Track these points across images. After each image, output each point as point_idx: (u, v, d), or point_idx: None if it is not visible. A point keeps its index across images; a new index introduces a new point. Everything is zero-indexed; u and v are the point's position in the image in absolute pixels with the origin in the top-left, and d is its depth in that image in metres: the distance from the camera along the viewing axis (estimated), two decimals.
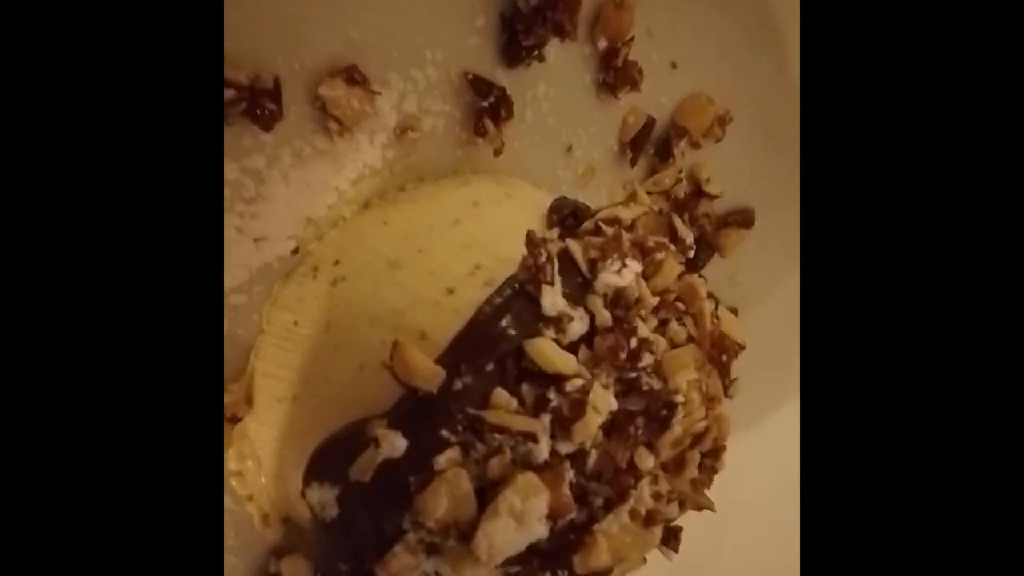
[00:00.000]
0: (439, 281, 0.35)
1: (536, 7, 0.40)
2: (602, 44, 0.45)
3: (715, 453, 0.38)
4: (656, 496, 0.34)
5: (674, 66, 0.49)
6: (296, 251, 0.37)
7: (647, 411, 0.34)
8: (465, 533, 0.30)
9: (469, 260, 0.35)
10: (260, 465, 0.39)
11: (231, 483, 0.39)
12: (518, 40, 0.41)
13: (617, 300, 0.33)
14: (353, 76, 0.36)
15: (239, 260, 0.36)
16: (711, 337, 0.36)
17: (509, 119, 0.41)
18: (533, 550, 0.32)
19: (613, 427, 0.33)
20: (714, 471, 0.39)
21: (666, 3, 0.47)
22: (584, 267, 0.33)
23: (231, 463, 0.38)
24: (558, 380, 0.31)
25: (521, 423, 0.30)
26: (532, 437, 0.30)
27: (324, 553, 0.35)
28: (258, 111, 0.34)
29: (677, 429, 0.34)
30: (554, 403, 0.31)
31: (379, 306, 0.35)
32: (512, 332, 0.32)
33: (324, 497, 0.32)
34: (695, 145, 0.52)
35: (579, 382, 0.31)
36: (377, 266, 0.36)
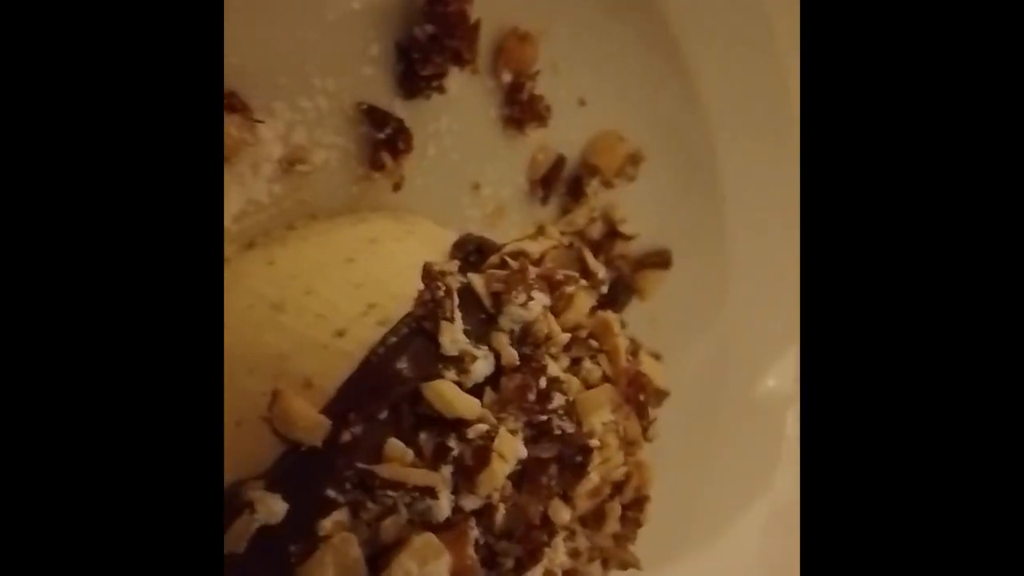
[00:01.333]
0: (328, 323, 0.32)
1: (432, 35, 0.39)
2: (506, 77, 0.44)
3: (638, 504, 0.36)
4: (574, 554, 0.32)
5: (582, 103, 0.49)
6: None
7: (560, 458, 0.31)
8: None
9: (362, 299, 0.32)
10: None
11: None
12: (415, 70, 0.39)
13: (524, 337, 0.31)
14: (231, 103, 0.34)
15: None
16: (627, 375, 0.34)
17: (408, 152, 0.39)
18: None
19: (523, 477, 0.30)
20: (638, 524, 0.36)
21: (571, 37, 0.47)
22: (487, 301, 0.31)
23: None
24: (459, 426, 0.29)
25: (418, 476, 0.28)
26: (431, 492, 0.27)
27: None
28: None
29: (594, 477, 0.32)
30: (455, 452, 0.28)
31: (259, 353, 0.32)
32: (408, 374, 0.29)
33: None
34: (607, 184, 0.51)
35: (483, 427, 0.29)
36: (259, 309, 0.33)
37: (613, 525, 0.34)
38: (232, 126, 0.33)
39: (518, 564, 0.29)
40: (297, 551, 0.27)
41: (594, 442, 0.31)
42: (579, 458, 0.31)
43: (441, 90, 0.40)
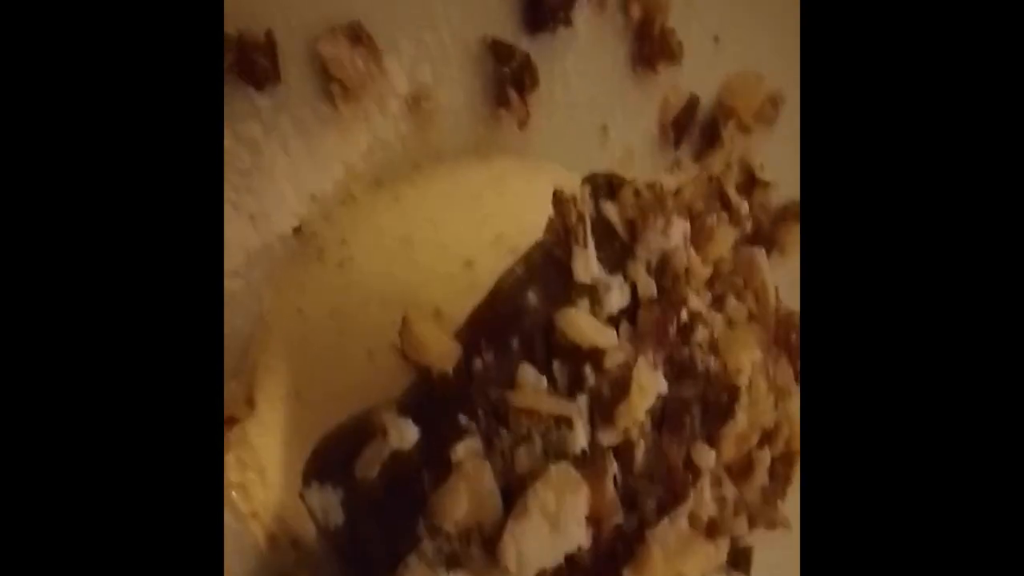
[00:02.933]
0: (456, 254, 0.31)
1: None
2: (636, 12, 0.43)
3: (788, 458, 0.33)
4: (720, 502, 0.30)
5: (717, 40, 0.46)
6: (298, 230, 0.34)
7: (704, 398, 0.29)
8: (490, 539, 0.26)
9: (490, 230, 0.32)
10: (264, 476, 0.35)
11: (231, 496, 0.35)
12: (542, 2, 0.38)
13: (663, 268, 0.30)
14: (356, 34, 0.34)
15: (234, 240, 0.33)
16: (777, 315, 0.32)
17: (534, 88, 0.38)
18: (572, 562, 0.27)
19: (664, 417, 0.29)
20: (787, 480, 0.34)
21: None
22: (622, 229, 0.30)
23: (231, 473, 0.35)
24: (595, 356, 0.27)
25: (553, 405, 0.27)
26: (567, 422, 0.26)
27: (331, 570, 0.31)
28: (249, 67, 0.31)
29: (742, 421, 0.30)
30: (591, 382, 0.27)
31: (390, 286, 0.32)
32: (539, 303, 0.28)
33: (326, 501, 0.28)
34: (744, 128, 0.49)
35: (620, 357, 0.27)
36: (387, 244, 0.33)
37: (761, 477, 0.32)
38: (358, 58, 0.34)
39: (660, 505, 0.28)
40: (430, 477, 0.27)
41: (742, 380, 0.29)
42: (725, 398, 0.29)
43: (567, 22, 0.39)
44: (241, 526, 0.36)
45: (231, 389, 0.34)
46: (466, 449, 0.26)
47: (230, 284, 0.34)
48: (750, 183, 0.50)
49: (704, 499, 0.28)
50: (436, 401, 0.27)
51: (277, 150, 0.33)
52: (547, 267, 0.29)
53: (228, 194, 0.33)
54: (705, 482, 0.29)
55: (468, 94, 0.38)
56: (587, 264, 0.28)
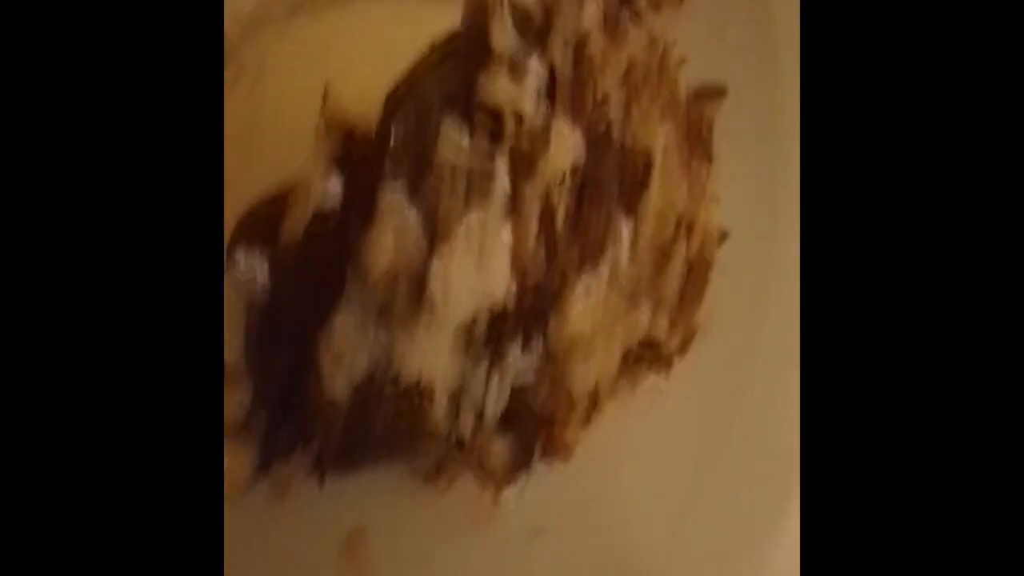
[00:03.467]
0: (376, 54, 0.32)
1: None
2: None
3: (703, 264, 0.35)
4: (635, 281, 0.31)
5: None
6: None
7: (620, 172, 0.31)
8: (416, 284, 0.27)
9: (410, 33, 0.33)
10: None
11: None
12: None
13: (579, 55, 0.31)
14: None
15: None
16: (689, 114, 0.34)
17: None
18: (498, 316, 0.28)
19: (583, 187, 0.30)
20: (703, 287, 0.36)
21: None
22: (538, 13, 0.31)
23: None
24: (516, 117, 0.28)
25: (475, 158, 0.27)
26: (488, 174, 0.27)
27: (257, 341, 0.31)
28: None
29: (656, 197, 0.31)
30: (512, 140, 0.28)
31: (310, 83, 0.32)
32: (459, 74, 0.29)
33: (252, 263, 0.29)
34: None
35: (539, 119, 0.28)
36: (307, 54, 0.34)
37: (678, 268, 0.33)
38: None
39: (581, 260, 0.29)
40: (355, 230, 0.27)
41: (655, 154, 0.30)
42: (640, 171, 0.30)
43: None
44: None
45: None
46: (391, 198, 0.27)
47: None
48: None
49: (621, 263, 0.30)
50: (360, 160, 0.28)
51: None
52: (467, 45, 0.30)
53: None
54: (624, 248, 0.30)
55: None
56: (504, 34, 0.29)
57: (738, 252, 0.39)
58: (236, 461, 0.34)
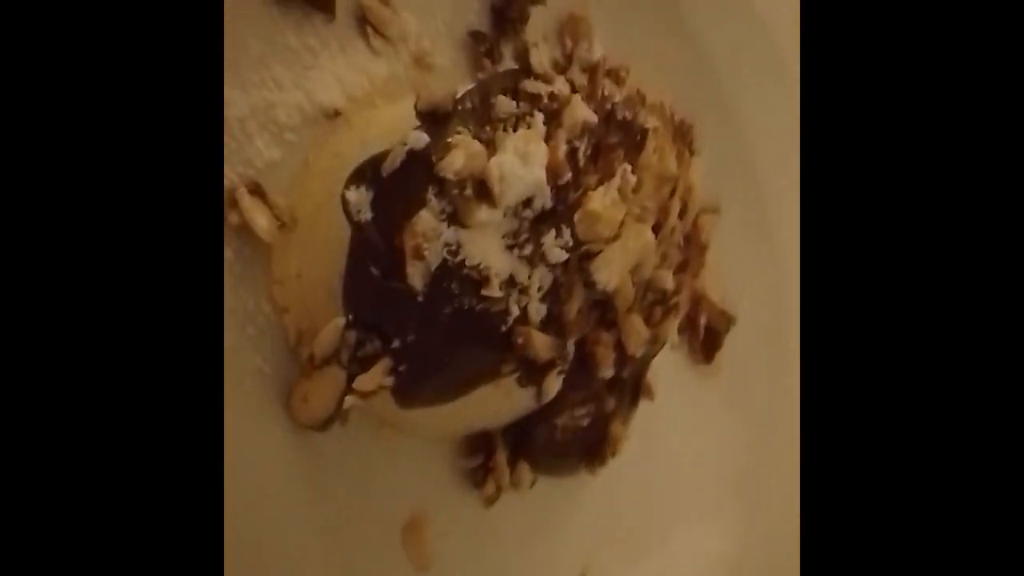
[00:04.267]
0: None
1: None
2: None
3: (695, 224, 0.45)
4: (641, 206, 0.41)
5: None
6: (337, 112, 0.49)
7: (623, 143, 0.43)
8: (480, 183, 0.38)
9: None
10: (301, 279, 0.45)
11: (272, 291, 0.45)
12: None
13: (594, 74, 0.45)
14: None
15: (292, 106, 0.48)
16: (673, 123, 0.46)
17: None
18: (539, 217, 0.39)
19: (595, 156, 0.42)
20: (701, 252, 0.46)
21: None
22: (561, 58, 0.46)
23: (275, 270, 0.45)
24: (550, 95, 0.42)
25: (518, 111, 0.40)
26: (530, 114, 0.40)
27: (354, 270, 0.41)
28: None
29: (653, 159, 0.43)
30: (545, 103, 0.41)
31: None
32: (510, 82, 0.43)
33: (360, 198, 0.40)
34: None
35: (565, 91, 0.42)
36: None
37: (674, 223, 0.43)
38: (386, 10, 0.52)
39: (599, 181, 0.40)
40: (437, 156, 0.39)
41: (651, 123, 0.42)
42: (639, 137, 0.42)
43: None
44: (276, 319, 0.45)
45: (280, 205, 0.46)
46: (462, 138, 0.39)
47: (286, 136, 0.48)
48: None
49: (632, 187, 0.40)
50: (442, 124, 0.40)
51: (329, 56, 0.50)
52: (510, 72, 0.44)
53: (293, 77, 0.48)
54: (628, 180, 0.41)
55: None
56: (541, 59, 0.44)
57: None
58: (326, 386, 0.42)
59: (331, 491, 0.46)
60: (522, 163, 0.38)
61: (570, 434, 0.49)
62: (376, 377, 0.40)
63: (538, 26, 0.57)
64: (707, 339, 0.59)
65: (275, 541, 0.44)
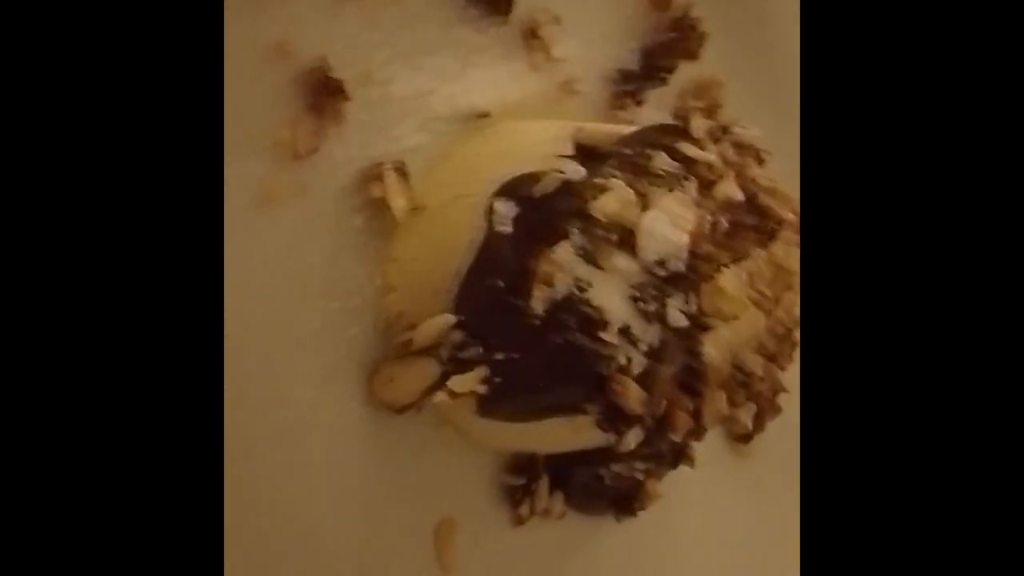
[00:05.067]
0: None
1: None
2: None
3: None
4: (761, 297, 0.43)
5: None
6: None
7: (758, 228, 0.44)
8: (626, 231, 0.39)
9: None
10: (415, 264, 0.47)
11: (385, 267, 0.47)
12: None
13: (742, 151, 0.47)
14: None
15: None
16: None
17: None
18: (670, 278, 0.40)
19: (733, 228, 0.43)
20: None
21: None
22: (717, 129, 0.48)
23: (395, 249, 0.47)
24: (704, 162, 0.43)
25: (673, 171, 0.42)
26: (686, 178, 0.41)
27: (477, 275, 0.42)
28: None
29: (780, 251, 0.44)
30: (701, 170, 0.42)
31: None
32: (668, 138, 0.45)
33: (506, 211, 0.42)
34: None
35: (719, 165, 0.43)
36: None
37: (782, 315, 0.45)
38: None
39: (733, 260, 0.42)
40: (591, 193, 0.40)
41: (788, 215, 0.44)
42: (773, 226, 0.44)
43: None
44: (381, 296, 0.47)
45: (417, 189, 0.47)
46: (617, 180, 0.41)
47: (434, 124, 0.49)
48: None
49: (759, 274, 0.42)
50: (598, 162, 0.42)
51: (492, 58, 0.52)
52: (670, 128, 0.46)
53: (456, 69, 0.50)
54: (761, 263, 0.42)
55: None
56: (699, 125, 0.46)
57: None
58: (417, 374, 0.44)
59: (381, 471, 0.48)
60: (670, 224, 0.40)
61: (614, 480, 0.51)
62: (471, 381, 0.42)
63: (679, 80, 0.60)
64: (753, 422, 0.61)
65: (319, 498, 0.46)
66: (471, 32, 0.51)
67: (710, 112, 0.61)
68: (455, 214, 0.47)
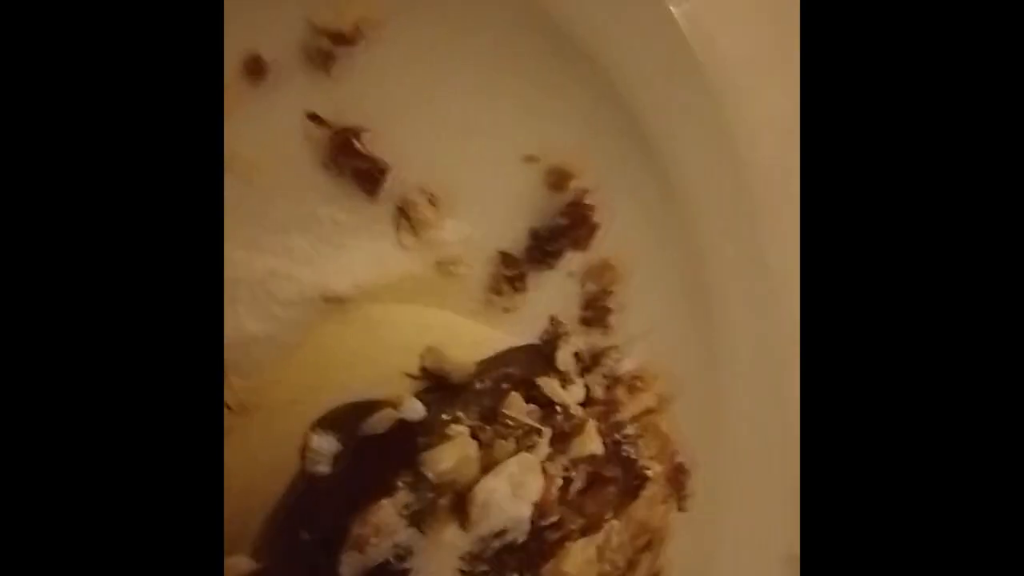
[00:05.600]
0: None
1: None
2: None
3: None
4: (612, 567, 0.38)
5: None
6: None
7: (618, 482, 0.40)
8: (460, 495, 0.34)
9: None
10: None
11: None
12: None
13: (613, 386, 0.42)
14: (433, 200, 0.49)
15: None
16: (672, 464, 0.44)
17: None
18: (507, 549, 0.34)
19: (590, 482, 0.39)
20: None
21: None
22: (587, 356, 0.43)
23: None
24: (563, 408, 0.38)
25: (530, 421, 0.37)
26: (538, 432, 0.36)
27: (287, 515, 0.36)
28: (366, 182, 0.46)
29: (641, 509, 0.40)
30: (558, 419, 0.38)
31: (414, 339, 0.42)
32: (527, 368, 0.40)
33: (324, 447, 0.35)
34: None
35: (580, 412, 0.38)
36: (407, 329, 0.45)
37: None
38: (429, 213, 0.49)
39: (583, 529, 0.36)
40: (425, 441, 0.35)
41: (650, 472, 0.40)
42: (636, 482, 0.39)
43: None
44: None
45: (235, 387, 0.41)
46: (460, 429, 0.35)
47: (274, 310, 0.43)
48: None
49: (612, 542, 0.37)
50: (444, 396, 0.37)
51: (352, 237, 0.46)
52: (535, 352, 0.41)
53: (307, 249, 0.45)
54: (613, 533, 0.37)
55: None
56: (566, 358, 0.41)
57: None
58: None
59: None
60: (512, 494, 0.35)
61: None
62: None
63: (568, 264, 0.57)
64: None
65: None
66: (330, 207, 0.46)
67: (604, 294, 0.58)
68: (286, 424, 0.40)
